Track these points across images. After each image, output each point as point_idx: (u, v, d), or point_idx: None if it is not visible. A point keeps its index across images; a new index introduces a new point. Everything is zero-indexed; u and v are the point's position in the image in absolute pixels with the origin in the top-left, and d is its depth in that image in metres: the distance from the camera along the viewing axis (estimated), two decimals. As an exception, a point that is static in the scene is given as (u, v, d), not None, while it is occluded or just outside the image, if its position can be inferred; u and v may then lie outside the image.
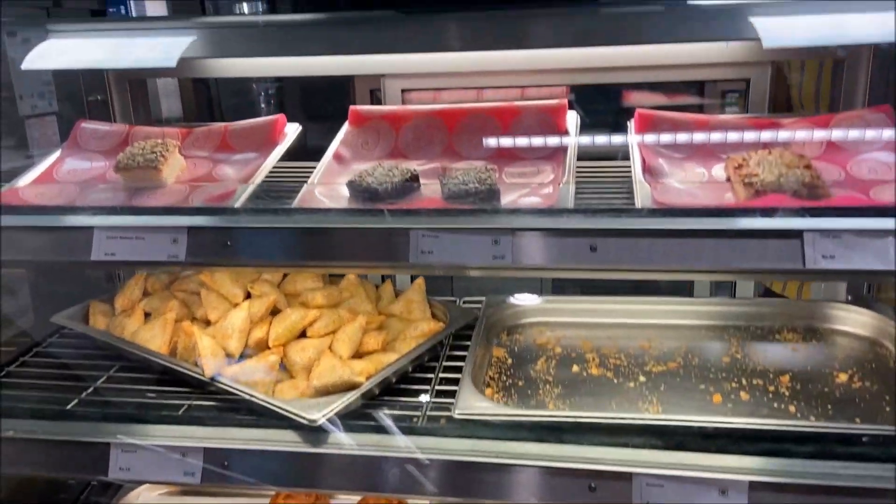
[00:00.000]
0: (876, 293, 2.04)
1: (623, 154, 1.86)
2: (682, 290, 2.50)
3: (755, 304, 2.04)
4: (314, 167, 1.86)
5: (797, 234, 1.32)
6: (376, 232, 1.48)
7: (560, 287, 2.90)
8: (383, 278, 2.39)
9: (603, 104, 2.37)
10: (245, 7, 5.32)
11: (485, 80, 2.20)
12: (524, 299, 2.10)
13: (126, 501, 2.17)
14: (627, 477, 1.39)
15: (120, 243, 1.54)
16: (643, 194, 1.51)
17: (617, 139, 1.80)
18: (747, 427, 1.43)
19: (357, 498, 2.12)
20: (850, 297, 2.05)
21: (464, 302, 2.18)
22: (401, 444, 1.52)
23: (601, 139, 1.82)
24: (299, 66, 2.11)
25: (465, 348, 1.89)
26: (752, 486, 1.34)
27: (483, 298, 2.12)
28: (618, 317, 2.05)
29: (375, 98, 2.29)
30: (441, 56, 2.08)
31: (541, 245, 1.41)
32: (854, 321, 1.94)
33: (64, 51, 1.88)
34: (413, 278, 2.39)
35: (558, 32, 1.75)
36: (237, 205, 1.60)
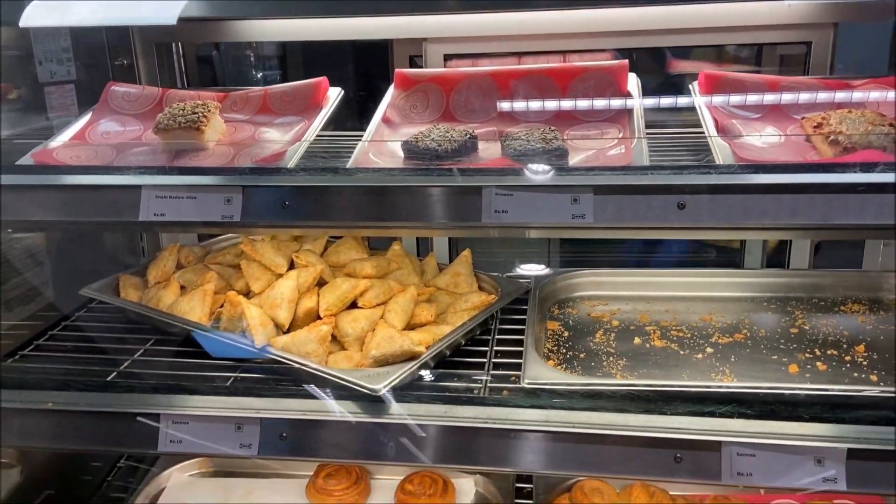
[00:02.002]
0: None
1: (680, 121, 1.79)
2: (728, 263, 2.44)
3: (813, 276, 1.97)
4: (354, 133, 1.77)
5: (897, 188, 1.25)
6: (446, 191, 1.39)
7: (568, 262, 2.82)
8: (419, 251, 2.31)
9: (652, 70, 2.28)
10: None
11: (529, 44, 2.11)
12: (574, 272, 2.02)
13: (156, 483, 2.08)
14: (716, 446, 1.31)
15: (170, 203, 1.44)
16: (723, 152, 1.43)
17: (683, 101, 1.72)
18: (842, 394, 1.37)
19: (398, 478, 2.04)
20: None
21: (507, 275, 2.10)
22: (468, 415, 1.44)
23: (668, 100, 1.75)
24: (339, 28, 2.02)
25: (514, 322, 1.82)
26: (851, 454, 1.27)
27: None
28: (672, 290, 1.98)
29: (415, 64, 2.20)
30: (486, 17, 2.00)
31: (624, 203, 1.33)
32: (918, 291, 1.88)
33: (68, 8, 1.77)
34: (452, 249, 2.32)
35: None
36: (290, 165, 1.51)
